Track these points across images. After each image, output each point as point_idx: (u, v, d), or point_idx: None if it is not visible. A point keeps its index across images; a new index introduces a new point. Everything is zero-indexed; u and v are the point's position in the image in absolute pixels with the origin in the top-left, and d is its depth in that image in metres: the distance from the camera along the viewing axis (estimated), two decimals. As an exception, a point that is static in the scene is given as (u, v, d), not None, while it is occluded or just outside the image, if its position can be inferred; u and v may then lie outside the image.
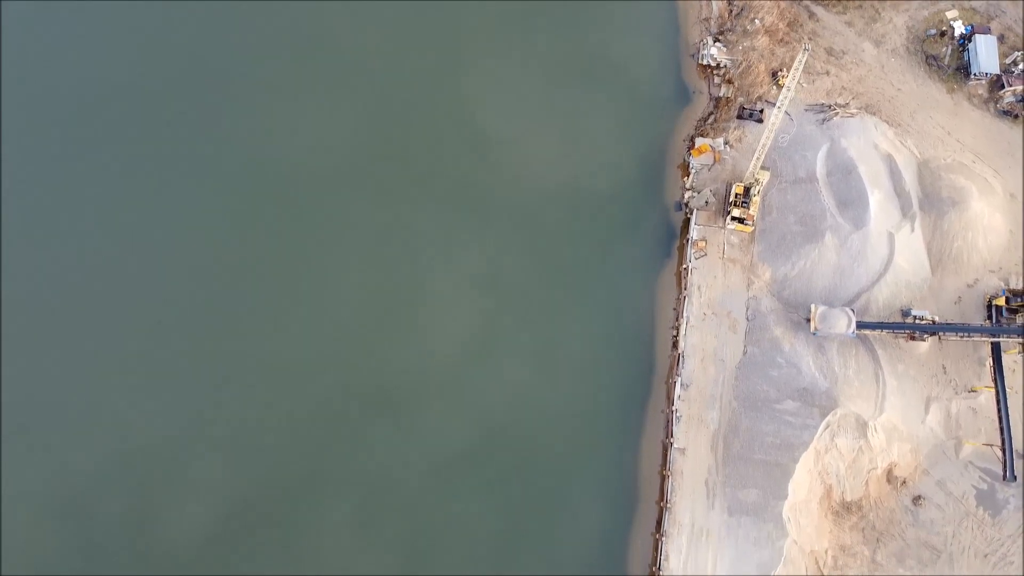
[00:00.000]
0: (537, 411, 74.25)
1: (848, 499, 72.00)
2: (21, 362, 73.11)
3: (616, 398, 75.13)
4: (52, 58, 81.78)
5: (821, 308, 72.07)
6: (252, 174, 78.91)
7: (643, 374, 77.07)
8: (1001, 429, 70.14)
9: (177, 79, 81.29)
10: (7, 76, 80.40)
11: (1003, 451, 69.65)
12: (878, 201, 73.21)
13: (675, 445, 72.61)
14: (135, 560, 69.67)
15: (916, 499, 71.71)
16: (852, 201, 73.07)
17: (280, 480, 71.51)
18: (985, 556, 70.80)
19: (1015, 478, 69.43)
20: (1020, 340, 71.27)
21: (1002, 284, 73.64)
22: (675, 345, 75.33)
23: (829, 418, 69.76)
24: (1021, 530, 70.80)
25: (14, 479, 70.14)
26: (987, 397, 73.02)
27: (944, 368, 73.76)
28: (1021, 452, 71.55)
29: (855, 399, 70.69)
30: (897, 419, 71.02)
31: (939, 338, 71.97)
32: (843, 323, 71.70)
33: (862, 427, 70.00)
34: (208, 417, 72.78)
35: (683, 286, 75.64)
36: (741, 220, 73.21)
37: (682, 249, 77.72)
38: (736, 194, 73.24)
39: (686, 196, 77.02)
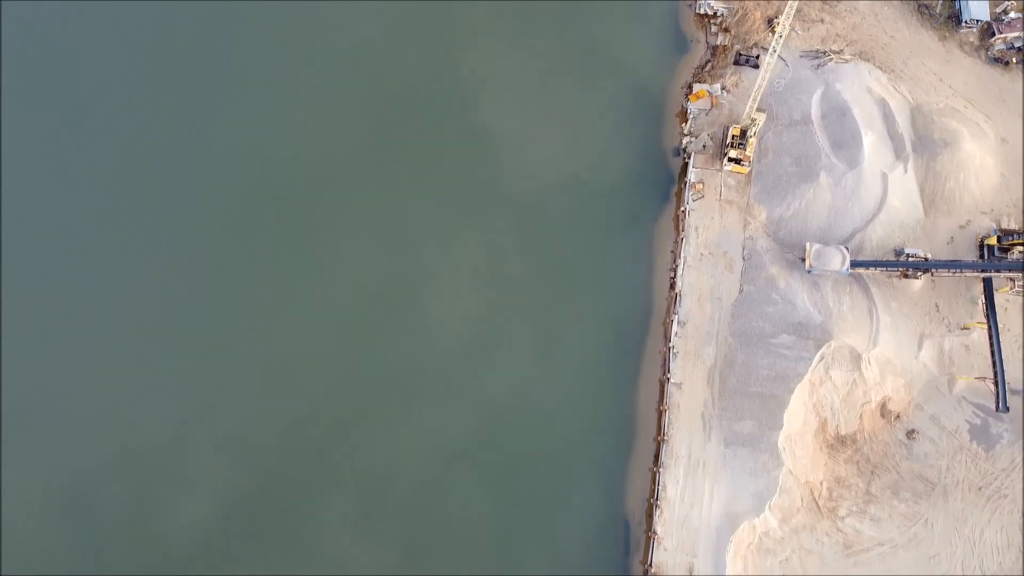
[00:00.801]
0: (539, 403, 74.67)
1: (843, 433, 73.31)
2: (20, 360, 73.22)
3: (615, 385, 75.70)
4: (51, 53, 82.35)
5: (816, 246, 73.52)
6: (252, 169, 79.28)
7: (641, 325, 78.83)
8: (994, 362, 71.41)
9: (175, 73, 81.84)
10: (7, 74, 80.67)
11: (995, 383, 70.97)
12: (872, 142, 74.85)
13: (672, 380, 73.91)
14: (135, 558, 69.97)
15: (910, 433, 72.99)
16: (846, 142, 74.76)
17: (280, 476, 71.92)
18: (979, 489, 71.91)
19: (1007, 409, 70.65)
20: (1011, 277, 72.94)
21: (994, 225, 75.15)
22: (672, 286, 76.81)
23: (823, 350, 71.20)
24: (1015, 464, 72.51)
25: (14, 479, 70.27)
26: (979, 335, 74.46)
27: (937, 306, 75.18)
28: (1013, 388, 73.46)
29: (849, 332, 72.03)
30: (891, 353, 72.35)
31: (932, 275, 73.49)
32: (837, 260, 73.16)
33: (856, 360, 71.36)
34: (208, 414, 73.02)
35: (680, 228, 77.29)
36: (738, 161, 74.81)
37: (680, 195, 79.26)
38: (733, 136, 74.85)
39: (684, 141, 78.64)
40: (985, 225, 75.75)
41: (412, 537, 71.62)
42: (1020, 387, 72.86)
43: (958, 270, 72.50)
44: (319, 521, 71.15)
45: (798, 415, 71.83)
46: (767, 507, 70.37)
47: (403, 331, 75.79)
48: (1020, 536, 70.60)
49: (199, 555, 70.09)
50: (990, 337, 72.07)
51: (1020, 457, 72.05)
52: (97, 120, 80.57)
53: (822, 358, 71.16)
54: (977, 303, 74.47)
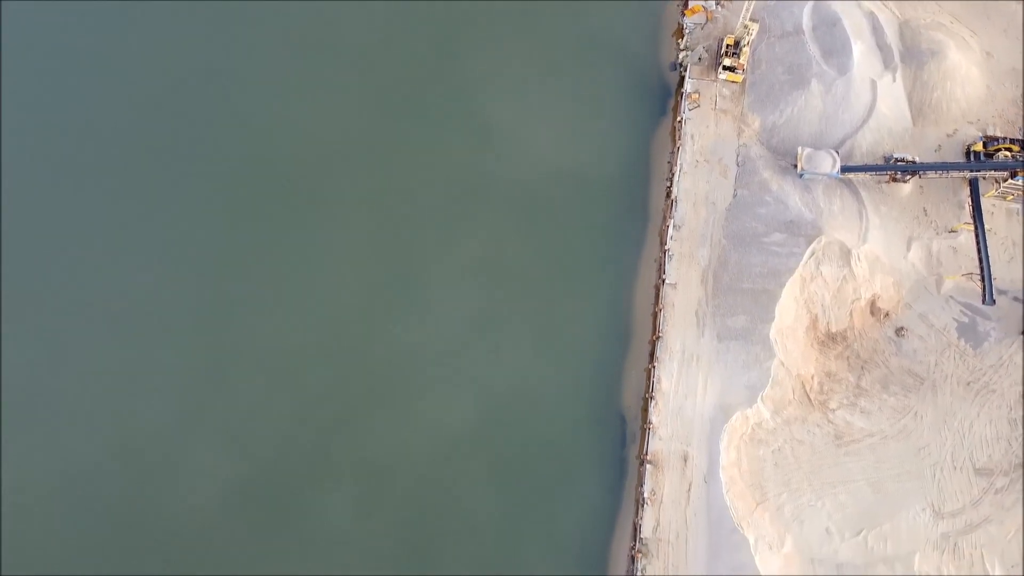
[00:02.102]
0: (541, 392, 75.44)
1: (833, 330, 75.24)
2: (19, 358, 73.08)
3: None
4: (49, 52, 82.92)
5: (807, 150, 75.94)
6: (249, 161, 79.53)
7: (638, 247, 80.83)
8: (980, 259, 73.63)
9: (173, 69, 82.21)
10: (7, 70, 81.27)
11: (982, 278, 73.11)
12: (861, 51, 77.55)
13: (667, 281, 76.15)
14: (135, 556, 69.75)
15: (899, 330, 74.91)
16: (836, 50, 77.44)
17: (280, 469, 71.95)
18: (968, 384, 73.64)
19: (994, 301, 72.74)
20: (996, 179, 75.19)
21: (980, 134, 77.54)
22: (668, 194, 79.28)
23: (814, 245, 73.30)
24: (1002, 361, 74.26)
25: (14, 478, 70.00)
26: (966, 237, 76.59)
27: (925, 211, 77.36)
28: (999, 287, 75.36)
29: (839, 230, 74.24)
30: (880, 251, 74.48)
31: (919, 178, 75.88)
32: (828, 164, 75.57)
33: (846, 255, 73.49)
34: (207, 408, 72.85)
35: (677, 138, 79.83)
36: (732, 69, 77.47)
37: (676, 108, 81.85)
38: (727, 45, 77.61)
39: (680, 56, 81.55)
40: (971, 134, 78.17)
41: (414, 525, 71.97)
42: (1006, 288, 75.47)
43: (945, 171, 75.04)
44: (320, 513, 71.37)
45: (789, 310, 73.86)
46: (759, 398, 72.25)
47: (403, 322, 76.33)
48: (1008, 429, 72.55)
49: (199, 550, 70.12)
50: (976, 236, 74.28)
51: (1007, 354, 74.11)
52: (96, 116, 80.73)
53: (813, 253, 73.30)
54: (964, 207, 76.72)
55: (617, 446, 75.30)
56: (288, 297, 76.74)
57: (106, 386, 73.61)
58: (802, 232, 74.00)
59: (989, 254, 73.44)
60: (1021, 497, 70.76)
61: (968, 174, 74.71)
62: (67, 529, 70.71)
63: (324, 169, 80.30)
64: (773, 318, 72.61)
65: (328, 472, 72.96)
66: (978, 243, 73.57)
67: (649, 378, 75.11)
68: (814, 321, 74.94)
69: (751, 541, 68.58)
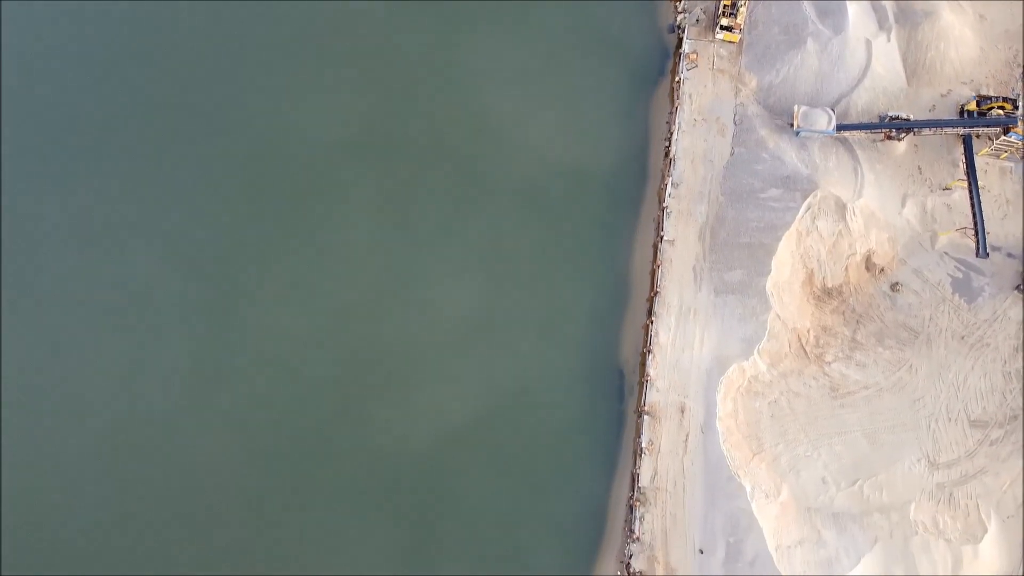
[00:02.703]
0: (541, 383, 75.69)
1: (829, 285, 76.01)
2: (19, 354, 72.98)
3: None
4: (48, 50, 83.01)
5: (803, 108, 76.86)
6: (249, 155, 79.52)
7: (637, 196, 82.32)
8: (974, 214, 74.52)
9: (172, 62, 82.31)
10: (7, 67, 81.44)
11: (976, 232, 74.03)
12: (856, 11, 78.66)
13: (665, 238, 77.01)
14: (136, 556, 69.56)
15: (894, 286, 75.66)
16: (831, 10, 78.50)
17: (281, 460, 72.05)
18: (962, 338, 74.36)
19: (987, 254, 73.54)
20: (989, 136, 76.14)
21: (973, 94, 78.51)
22: (667, 153, 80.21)
23: (810, 199, 74.19)
24: (996, 315, 75.00)
25: (14, 478, 69.76)
26: (960, 195, 77.38)
27: (919, 169, 78.24)
28: (993, 244, 76.23)
29: (835, 185, 75.14)
30: (875, 206, 75.37)
31: (914, 135, 76.84)
32: (824, 121, 76.54)
33: (841, 210, 74.38)
34: (209, 402, 72.70)
35: (675, 98, 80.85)
36: (729, 29, 78.43)
37: (675, 70, 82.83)
38: (724, 6, 78.72)
39: (678, 18, 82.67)
40: (965, 94, 79.09)
41: (419, 507, 72.15)
42: (1000, 244, 76.29)
43: (939, 128, 76.03)
44: (321, 505, 71.45)
45: (786, 264, 74.70)
46: (756, 351, 73.01)
47: (405, 313, 76.47)
48: (1003, 382, 73.23)
49: (200, 547, 70.03)
50: (970, 192, 75.12)
51: (1001, 309, 74.87)
52: (97, 112, 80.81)
53: (808, 207, 74.15)
54: (958, 165, 77.54)
55: (615, 401, 76.63)
56: (288, 291, 76.84)
57: (106, 382, 73.40)
58: (798, 187, 74.94)
59: (983, 210, 74.44)
60: (1016, 449, 71.76)
61: (962, 131, 75.64)
62: (67, 529, 70.14)
63: (324, 163, 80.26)
64: (769, 272, 73.50)
65: (330, 461, 72.82)
66: (972, 199, 74.40)
67: (647, 333, 76.09)
68: (810, 276, 75.74)
69: (748, 489, 69.26)
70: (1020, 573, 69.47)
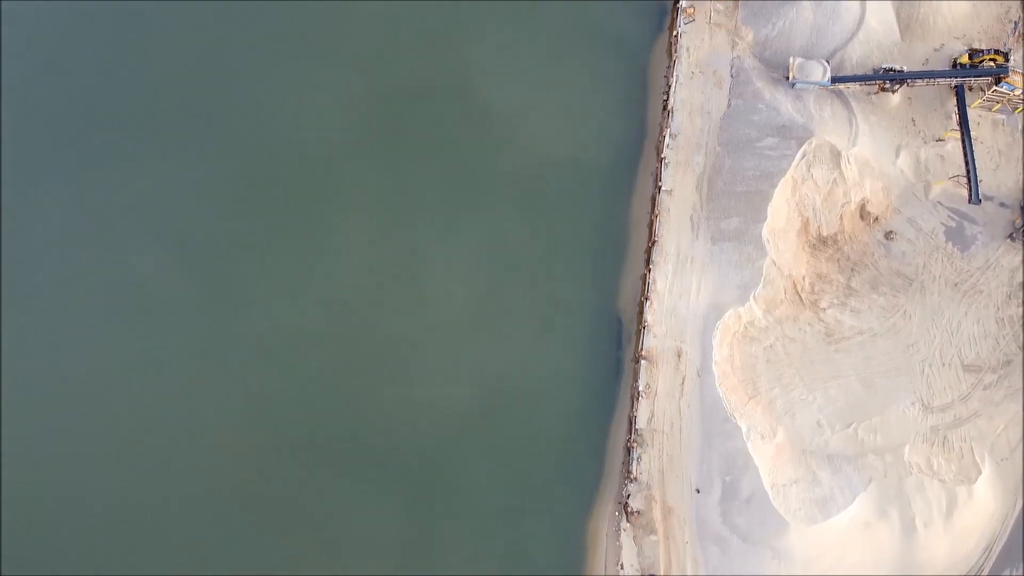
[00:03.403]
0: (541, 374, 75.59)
1: (824, 234, 76.87)
2: (19, 355, 72.43)
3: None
4: (48, 49, 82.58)
5: (798, 60, 77.95)
6: (248, 148, 79.14)
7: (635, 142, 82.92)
8: (966, 161, 75.59)
9: (170, 56, 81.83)
10: (8, 63, 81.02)
11: (968, 179, 75.06)
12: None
13: (663, 188, 77.96)
14: (136, 554, 69.23)
15: (888, 234, 76.60)
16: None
17: (281, 451, 71.97)
18: (956, 285, 75.27)
19: (980, 200, 74.62)
20: (982, 87, 77.28)
21: (965, 47, 79.66)
22: (665, 106, 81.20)
23: (805, 147, 75.07)
24: (989, 263, 75.91)
25: (14, 478, 69.31)
26: (953, 146, 78.42)
27: (913, 120, 79.27)
28: (986, 194, 77.24)
29: (830, 134, 76.11)
30: (869, 155, 76.33)
31: (908, 86, 77.98)
32: (819, 72, 77.62)
33: (836, 158, 75.33)
34: (208, 396, 72.51)
35: (673, 52, 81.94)
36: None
37: (672, 26, 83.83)
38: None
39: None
40: (958, 49, 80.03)
41: (420, 488, 72.31)
42: (992, 194, 77.31)
43: (932, 79, 77.21)
44: (320, 497, 71.46)
45: (781, 212, 75.60)
46: (752, 297, 73.77)
47: (406, 303, 76.51)
48: (996, 328, 74.09)
49: (200, 544, 69.70)
50: (963, 140, 76.21)
51: (994, 256, 75.80)
52: (97, 108, 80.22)
53: (804, 155, 75.06)
54: (951, 116, 78.71)
55: (614, 347, 77.47)
56: (292, 283, 76.60)
57: (106, 379, 72.64)
58: (793, 135, 75.91)
59: (975, 158, 75.51)
60: (1009, 394, 72.57)
61: (954, 81, 76.89)
62: (67, 529, 69.59)
63: (323, 157, 79.88)
64: (765, 218, 74.33)
65: (329, 450, 72.61)
66: (964, 147, 75.46)
67: (645, 282, 77.01)
68: (805, 224, 76.66)
69: (744, 429, 69.98)
70: (1018, 510, 70.53)
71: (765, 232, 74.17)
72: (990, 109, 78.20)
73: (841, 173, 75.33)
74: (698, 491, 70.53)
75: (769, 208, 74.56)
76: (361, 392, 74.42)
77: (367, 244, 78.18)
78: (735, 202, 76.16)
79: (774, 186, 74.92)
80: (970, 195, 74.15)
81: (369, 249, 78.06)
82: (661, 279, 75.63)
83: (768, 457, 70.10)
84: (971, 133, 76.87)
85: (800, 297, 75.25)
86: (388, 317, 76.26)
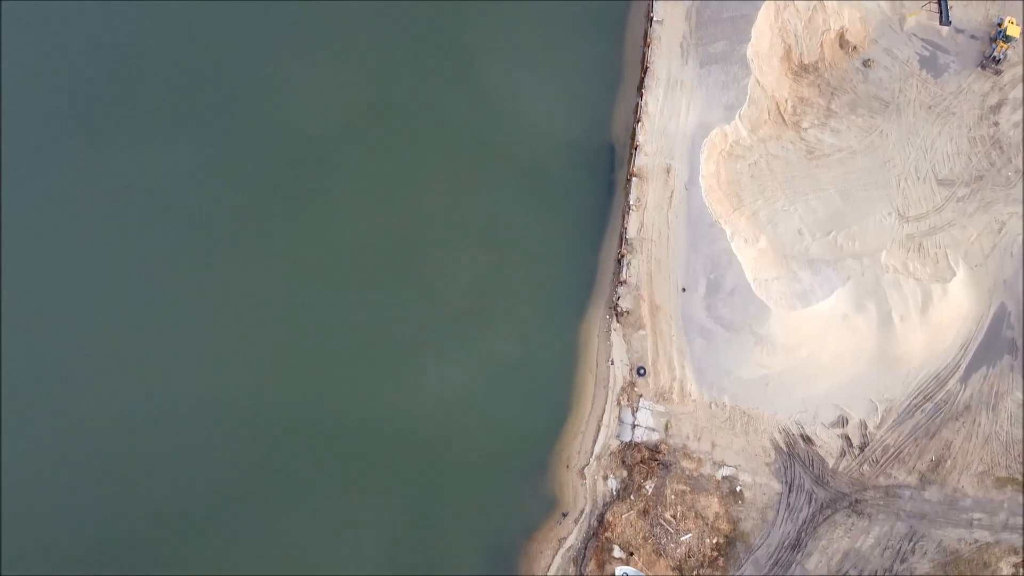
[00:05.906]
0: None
1: (806, 61, 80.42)
2: (19, 354, 71.99)
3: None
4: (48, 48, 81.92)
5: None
6: (246, 139, 78.93)
7: None
8: (937, -11, 79.93)
9: (168, 51, 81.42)
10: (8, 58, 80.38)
11: (939, 3, 79.15)
12: None
13: (655, 19, 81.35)
14: (136, 553, 69.00)
15: (866, 62, 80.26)
16: None
17: (279, 439, 71.85)
18: (930, 107, 78.85)
19: (950, 22, 78.53)
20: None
21: None
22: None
23: (787, -27, 79.44)
24: (961, 89, 79.55)
25: (14, 478, 69.08)
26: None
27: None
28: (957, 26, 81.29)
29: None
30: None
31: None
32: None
33: (817, -18, 79.49)
34: (207, 393, 72.24)
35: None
36: None
37: None
38: None
39: None
40: None
41: (417, 478, 72.40)
42: (964, 27, 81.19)
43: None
44: (321, 477, 71.70)
45: (765, 35, 79.15)
46: (737, 115, 77.35)
47: (406, 287, 76.61)
48: (968, 146, 77.76)
49: (200, 541, 69.65)
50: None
51: (966, 83, 79.57)
52: (98, 104, 79.79)
53: (786, -18, 79.41)
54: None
55: (607, 171, 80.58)
56: (289, 266, 76.39)
57: (106, 378, 72.30)
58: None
59: (947, -12, 79.83)
60: (982, 205, 76.08)
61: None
62: (67, 528, 69.51)
63: (322, 143, 79.55)
64: (750, 38, 77.82)
65: (329, 439, 72.38)
66: (936, -24, 79.89)
67: (637, 108, 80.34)
68: (788, 51, 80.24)
69: (727, 232, 73.48)
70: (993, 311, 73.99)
71: (750, 52, 77.66)
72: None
73: (820, 2, 79.37)
74: (684, 290, 73.70)
75: (753, 30, 78.01)
76: (359, 375, 73.93)
77: (367, 227, 77.55)
78: (722, 28, 79.61)
79: (758, 8, 78.38)
80: (940, 16, 78.07)
81: (369, 232, 77.48)
82: (652, 102, 78.85)
83: (751, 258, 73.41)
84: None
85: (783, 118, 78.70)
86: (389, 297, 75.65)
